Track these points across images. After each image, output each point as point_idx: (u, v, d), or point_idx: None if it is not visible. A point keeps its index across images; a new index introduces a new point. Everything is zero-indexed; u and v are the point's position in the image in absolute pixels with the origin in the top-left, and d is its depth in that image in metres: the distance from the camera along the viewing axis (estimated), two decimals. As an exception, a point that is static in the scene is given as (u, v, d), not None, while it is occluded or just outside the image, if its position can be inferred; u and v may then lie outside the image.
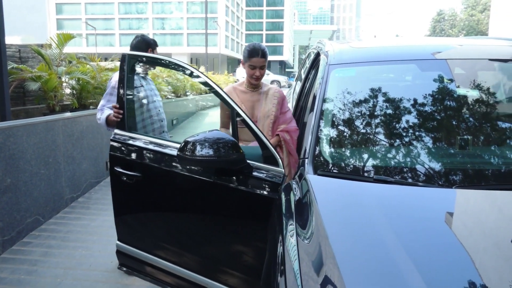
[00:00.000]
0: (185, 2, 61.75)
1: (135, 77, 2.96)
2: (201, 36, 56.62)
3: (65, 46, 5.78)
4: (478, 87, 2.01)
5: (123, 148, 2.37)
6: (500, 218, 1.37)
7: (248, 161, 1.95)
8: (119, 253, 2.55)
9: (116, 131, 2.46)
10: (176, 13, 62.34)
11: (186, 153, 1.81)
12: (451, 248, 1.18)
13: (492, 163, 1.69)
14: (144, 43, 3.20)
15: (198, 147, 1.79)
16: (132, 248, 2.47)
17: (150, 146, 2.30)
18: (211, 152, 1.78)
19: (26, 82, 5.21)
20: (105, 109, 2.86)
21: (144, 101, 3.12)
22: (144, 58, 2.76)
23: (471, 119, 1.86)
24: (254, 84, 2.62)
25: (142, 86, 3.10)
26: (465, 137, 1.76)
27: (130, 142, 2.37)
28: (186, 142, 1.83)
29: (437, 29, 78.66)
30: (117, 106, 2.49)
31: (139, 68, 3.03)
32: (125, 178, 2.30)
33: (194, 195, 2.19)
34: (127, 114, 2.46)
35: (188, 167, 2.11)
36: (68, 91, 6.07)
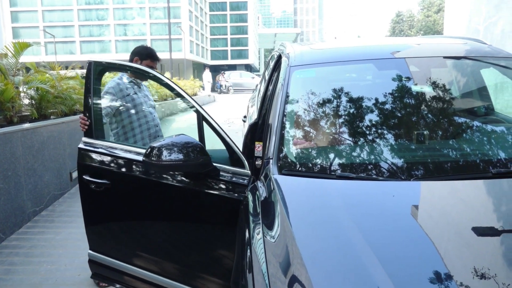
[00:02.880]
0: (147, 7, 60.90)
1: (128, 85, 3.15)
2: (165, 42, 55.95)
3: (23, 55, 5.57)
4: (432, 84, 2.10)
5: (90, 155, 2.34)
6: (460, 207, 1.44)
7: (214, 164, 1.96)
8: (91, 262, 2.50)
9: (84, 139, 2.43)
10: (138, 19, 61.38)
11: (152, 158, 1.81)
12: (414, 241, 1.22)
13: (449, 155, 1.77)
14: (139, 52, 3.28)
15: (165, 152, 1.80)
16: (104, 257, 2.43)
17: (118, 153, 2.29)
18: (178, 156, 1.79)
19: (-20, 94, 4.98)
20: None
21: (139, 107, 3.17)
22: (110, 65, 2.72)
23: (427, 114, 1.95)
24: None
25: (135, 93, 3.19)
26: (423, 131, 1.83)
27: (98, 149, 2.34)
28: (152, 148, 1.82)
29: (397, 30, 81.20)
30: (84, 115, 2.45)
31: (128, 77, 3.18)
32: (93, 186, 2.27)
33: (162, 201, 2.18)
34: (95, 122, 2.43)
35: (154, 173, 2.10)
36: (26, 101, 5.84)
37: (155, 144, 1.83)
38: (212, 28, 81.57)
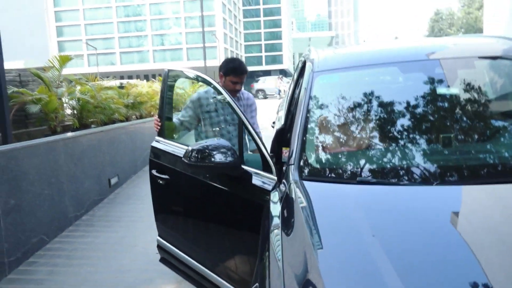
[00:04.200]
0: (183, 17, 62.42)
1: (210, 100, 3.08)
2: (200, 50, 57.07)
3: (67, 68, 5.92)
4: (462, 85, 2.06)
5: (157, 153, 2.72)
6: (488, 212, 1.40)
7: (245, 168, 2.04)
8: (159, 247, 2.84)
9: (156, 138, 2.77)
10: (175, 28, 63.00)
11: (191, 159, 1.98)
12: (430, 246, 1.21)
13: (476, 159, 1.73)
14: (222, 67, 3.11)
15: (199, 154, 1.96)
16: (166, 243, 2.76)
17: (176, 152, 2.52)
18: (210, 159, 1.94)
19: (27, 105, 5.33)
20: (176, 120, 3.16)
21: (215, 126, 3.10)
22: (182, 74, 2.95)
23: (452, 117, 1.91)
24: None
25: (216, 110, 3.08)
26: (447, 135, 1.80)
27: (162, 148, 2.69)
28: (191, 150, 1.99)
29: (436, 28, 78.75)
30: (157, 118, 2.79)
31: (214, 92, 3.02)
32: (159, 180, 2.60)
33: (204, 199, 2.42)
34: (166, 124, 2.79)
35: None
36: (68, 111, 6.18)
37: (193, 147, 2.00)
38: (246, 35, 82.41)
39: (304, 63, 2.76)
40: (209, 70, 31.37)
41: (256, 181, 2.06)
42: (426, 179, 1.59)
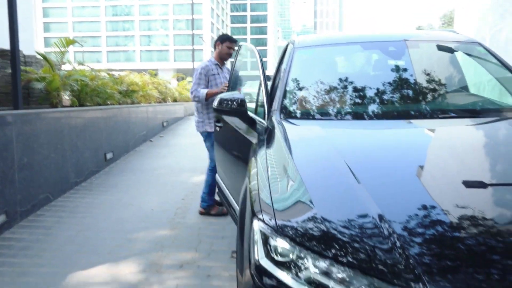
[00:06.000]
0: (171, 19, 62.79)
1: (213, 66, 4.19)
2: (186, 52, 57.52)
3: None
4: (404, 57, 2.68)
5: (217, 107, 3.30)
6: (432, 136, 2.01)
7: (252, 115, 2.64)
8: (217, 183, 3.59)
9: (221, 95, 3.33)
10: (162, 30, 63.30)
11: (216, 105, 2.67)
12: (378, 150, 1.80)
13: (419, 103, 2.34)
14: (219, 37, 4.25)
15: (222, 102, 2.64)
16: (219, 179, 3.48)
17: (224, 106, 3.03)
18: (227, 104, 2.61)
19: (32, 83, 5.77)
20: (200, 89, 4.04)
21: (219, 84, 4.16)
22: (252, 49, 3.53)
23: (398, 76, 2.54)
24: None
25: (218, 73, 4.20)
26: (396, 90, 2.43)
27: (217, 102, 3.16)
28: (218, 99, 2.68)
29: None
30: (226, 83, 3.78)
31: (214, 60, 4.22)
32: (217, 128, 3.41)
33: (230, 140, 3.08)
34: (231, 87, 3.61)
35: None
36: (67, 94, 6.63)
37: (221, 96, 2.68)
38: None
39: (287, 46, 3.38)
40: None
41: (259, 126, 2.58)
42: (377, 115, 2.21)
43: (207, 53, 58.11)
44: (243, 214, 1.74)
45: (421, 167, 1.65)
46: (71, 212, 4.29)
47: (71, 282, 2.85)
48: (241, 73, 4.09)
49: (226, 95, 2.68)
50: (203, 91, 4.03)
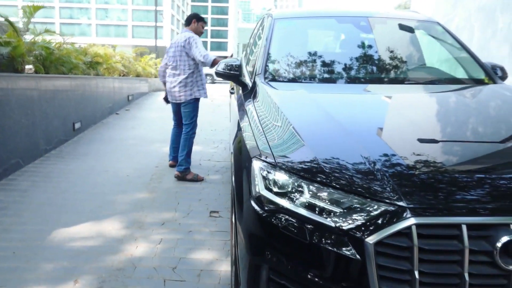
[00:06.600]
0: (129, -7, 60.47)
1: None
2: (145, 29, 55.85)
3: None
4: (371, 30, 2.97)
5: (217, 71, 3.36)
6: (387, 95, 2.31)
7: (242, 80, 2.88)
8: None
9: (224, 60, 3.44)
10: (118, 5, 60.87)
11: (217, 69, 2.94)
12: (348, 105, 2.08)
13: (388, 71, 2.64)
14: (195, 16, 4.59)
15: (223, 66, 2.92)
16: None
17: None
18: (224, 69, 2.90)
19: (-5, 48, 5.58)
20: (209, 54, 4.20)
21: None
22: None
23: (367, 46, 2.83)
24: None
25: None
26: (368, 59, 2.71)
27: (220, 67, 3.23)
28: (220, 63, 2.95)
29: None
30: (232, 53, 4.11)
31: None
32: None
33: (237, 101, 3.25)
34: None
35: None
36: (32, 60, 6.45)
37: (224, 61, 2.96)
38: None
39: (263, 19, 3.57)
40: (154, 49, 31.12)
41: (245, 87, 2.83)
42: (347, 80, 2.48)
43: (167, 31, 56.72)
44: (238, 160, 1.96)
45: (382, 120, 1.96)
46: (46, 177, 4.31)
47: (57, 237, 2.96)
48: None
49: (228, 60, 2.95)
50: (213, 56, 4.25)
